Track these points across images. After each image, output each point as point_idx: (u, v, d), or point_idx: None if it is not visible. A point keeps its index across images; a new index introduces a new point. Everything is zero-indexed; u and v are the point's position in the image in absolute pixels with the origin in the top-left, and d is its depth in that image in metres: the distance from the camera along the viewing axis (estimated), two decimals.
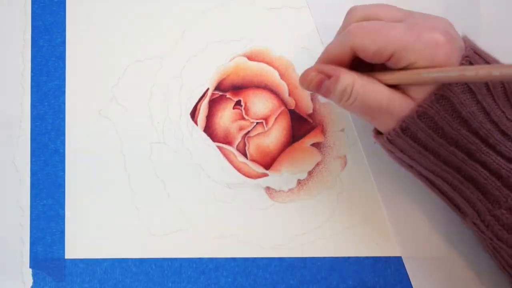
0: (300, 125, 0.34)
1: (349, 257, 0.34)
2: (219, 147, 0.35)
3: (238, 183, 0.34)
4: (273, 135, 0.34)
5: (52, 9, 0.36)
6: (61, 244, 0.35)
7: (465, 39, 0.26)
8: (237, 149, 0.34)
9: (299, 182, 0.34)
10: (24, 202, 0.35)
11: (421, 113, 0.24)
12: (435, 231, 0.33)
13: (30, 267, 0.35)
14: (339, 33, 0.29)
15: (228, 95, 0.35)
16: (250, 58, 0.35)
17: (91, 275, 0.34)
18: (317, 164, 0.34)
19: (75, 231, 0.35)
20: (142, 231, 0.34)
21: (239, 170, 0.34)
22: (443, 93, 0.24)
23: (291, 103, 0.34)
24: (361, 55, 0.26)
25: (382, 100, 0.25)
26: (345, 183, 0.34)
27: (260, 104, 0.35)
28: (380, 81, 0.26)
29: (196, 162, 0.35)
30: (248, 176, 0.34)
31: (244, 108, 0.35)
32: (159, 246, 0.34)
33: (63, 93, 0.35)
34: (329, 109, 0.34)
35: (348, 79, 0.26)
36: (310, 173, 0.34)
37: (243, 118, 0.35)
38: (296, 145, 0.34)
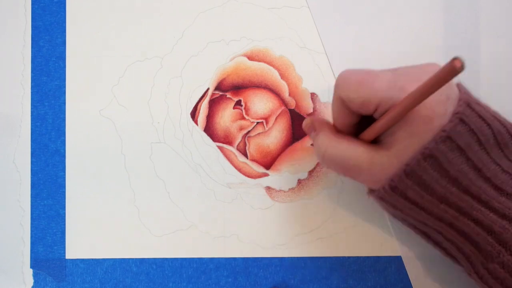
0: (301, 125, 0.34)
1: (349, 257, 0.34)
2: (219, 147, 0.35)
3: (239, 183, 0.34)
4: (274, 135, 0.34)
5: (52, 9, 0.36)
6: (61, 244, 0.35)
7: (460, 88, 0.25)
8: (238, 149, 0.34)
9: (299, 182, 0.34)
10: (25, 202, 0.35)
11: (409, 172, 0.24)
12: None
13: (30, 267, 0.35)
14: None
15: (228, 95, 0.35)
16: (250, 58, 0.35)
17: (91, 275, 0.35)
18: (318, 164, 0.34)
19: (76, 231, 0.35)
20: (143, 231, 0.34)
21: (239, 170, 0.34)
22: (430, 152, 0.23)
23: (292, 103, 0.34)
24: (350, 106, 0.26)
25: (362, 163, 0.25)
26: (346, 182, 0.34)
27: (260, 104, 0.35)
28: (363, 139, 0.26)
29: (196, 162, 0.35)
30: (248, 176, 0.34)
31: (245, 108, 0.35)
32: (160, 246, 0.34)
33: (63, 93, 0.35)
34: (329, 109, 0.34)
35: (322, 141, 0.27)
36: (310, 173, 0.34)
37: (243, 118, 0.35)
38: (297, 145, 0.34)
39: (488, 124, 0.24)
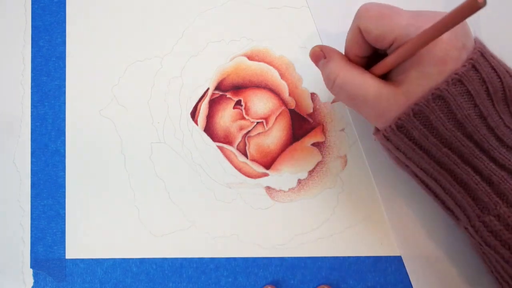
0: (301, 125, 0.34)
1: (349, 257, 0.34)
2: (219, 147, 0.35)
3: (239, 183, 0.34)
4: (274, 135, 0.34)
5: (52, 9, 0.36)
6: (61, 244, 0.35)
7: (476, 40, 0.25)
8: (238, 149, 0.34)
9: (299, 181, 0.34)
10: (25, 202, 0.35)
11: (417, 112, 0.24)
12: (434, 230, 0.33)
13: (30, 267, 0.35)
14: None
15: (228, 95, 0.35)
16: (250, 58, 0.35)
17: (91, 275, 0.35)
18: (318, 164, 0.34)
19: (76, 231, 0.35)
20: (143, 231, 0.34)
21: (239, 170, 0.34)
22: (440, 93, 0.23)
23: (292, 103, 0.34)
24: (366, 38, 0.26)
25: (368, 93, 0.25)
26: (346, 182, 0.34)
27: (260, 104, 0.35)
28: (373, 73, 0.26)
29: (196, 162, 0.35)
30: (248, 176, 0.34)
31: (245, 108, 0.35)
32: (160, 246, 0.34)
33: (63, 93, 0.35)
34: (329, 108, 0.34)
35: (334, 67, 0.27)
36: (310, 172, 0.34)
37: (243, 118, 0.35)
38: (297, 144, 0.34)
39: (499, 77, 0.24)
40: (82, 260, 0.35)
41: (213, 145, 0.35)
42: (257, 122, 0.34)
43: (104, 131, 0.35)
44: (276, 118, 0.34)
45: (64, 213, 0.35)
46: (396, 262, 0.33)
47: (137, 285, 0.34)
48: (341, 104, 0.34)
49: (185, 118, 0.35)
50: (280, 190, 0.34)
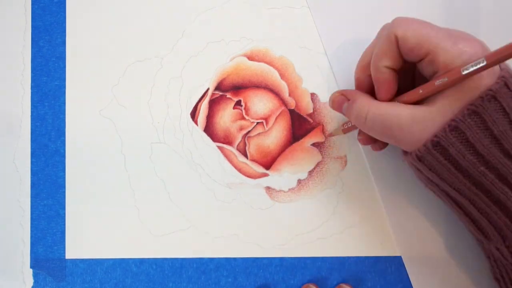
0: (300, 125, 0.34)
1: (349, 257, 0.34)
2: (219, 147, 0.35)
3: (239, 183, 0.34)
4: (274, 135, 0.34)
5: (52, 9, 0.36)
6: (61, 244, 0.35)
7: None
8: (238, 149, 0.34)
9: (299, 182, 0.34)
10: (25, 202, 0.35)
11: (453, 128, 0.24)
12: (434, 230, 0.33)
13: (30, 267, 0.35)
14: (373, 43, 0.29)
15: (228, 95, 0.35)
16: (250, 58, 0.35)
17: (91, 275, 0.35)
18: (318, 164, 0.34)
19: (76, 231, 0.35)
20: (143, 231, 0.34)
21: (239, 170, 0.34)
22: (476, 109, 0.23)
23: (291, 103, 0.34)
24: (401, 47, 0.26)
25: (402, 119, 0.25)
26: (345, 182, 0.34)
27: (260, 104, 0.35)
28: (404, 101, 0.27)
29: (196, 162, 0.35)
30: (248, 176, 0.34)
31: (245, 108, 0.35)
32: (160, 246, 0.34)
33: (63, 93, 0.35)
34: (329, 109, 0.34)
35: (363, 104, 0.27)
36: (310, 173, 0.34)
37: (243, 118, 0.35)
38: (296, 145, 0.34)
39: None
40: (82, 260, 0.35)
41: (213, 145, 0.35)
42: (257, 122, 0.34)
43: (104, 131, 0.35)
44: (276, 118, 0.34)
45: (64, 213, 0.35)
46: (396, 262, 0.33)
47: (137, 285, 0.34)
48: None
49: (185, 118, 0.35)
50: (280, 190, 0.34)
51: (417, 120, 0.25)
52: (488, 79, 0.24)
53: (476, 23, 0.33)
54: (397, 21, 0.26)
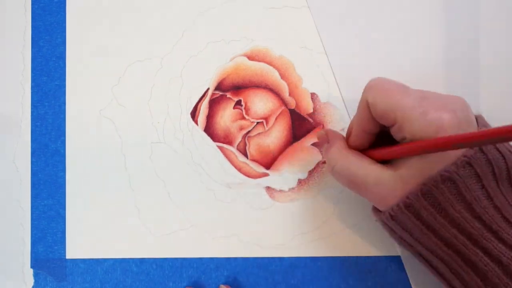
0: (301, 125, 0.34)
1: (349, 257, 0.34)
2: (219, 147, 0.35)
3: (239, 183, 0.34)
4: (274, 135, 0.34)
5: (52, 9, 0.36)
6: (62, 244, 0.35)
7: (479, 118, 0.26)
8: (238, 149, 0.34)
9: (299, 181, 0.34)
10: (25, 202, 0.35)
11: (425, 192, 0.24)
12: None
13: (31, 267, 0.35)
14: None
15: (228, 95, 0.35)
16: (251, 57, 0.35)
17: (92, 275, 0.35)
18: (318, 164, 0.34)
19: (76, 231, 0.35)
20: (143, 231, 0.34)
21: (239, 170, 0.34)
22: (450, 175, 0.23)
23: (292, 103, 0.34)
24: (373, 112, 0.26)
25: (368, 179, 0.26)
26: None
27: (260, 103, 0.35)
28: (374, 155, 0.27)
29: (196, 162, 0.35)
30: (248, 176, 0.34)
31: (245, 108, 0.35)
32: (160, 246, 0.34)
33: (63, 93, 0.35)
34: (329, 109, 0.34)
35: (334, 153, 0.28)
36: (310, 172, 0.34)
37: (243, 118, 0.35)
38: (297, 144, 0.34)
39: (504, 157, 0.24)
40: (82, 260, 0.35)
41: (213, 145, 0.35)
42: (257, 122, 0.34)
43: (104, 131, 0.35)
44: (276, 118, 0.34)
45: (64, 213, 0.35)
46: (396, 262, 0.33)
47: (137, 285, 0.34)
48: (341, 105, 0.34)
49: (185, 118, 0.35)
50: (280, 190, 0.34)
51: (383, 183, 0.26)
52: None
53: (476, 22, 0.33)
54: (368, 85, 0.27)
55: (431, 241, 0.25)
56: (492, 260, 0.24)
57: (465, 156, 0.24)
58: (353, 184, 0.27)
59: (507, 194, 0.25)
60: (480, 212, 0.24)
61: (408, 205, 0.25)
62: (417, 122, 0.24)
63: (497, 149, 0.24)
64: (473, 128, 0.25)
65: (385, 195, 0.26)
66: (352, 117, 0.34)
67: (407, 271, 0.33)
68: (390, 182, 0.25)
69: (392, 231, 0.28)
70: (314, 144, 0.34)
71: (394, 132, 0.26)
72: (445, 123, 0.24)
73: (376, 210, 0.28)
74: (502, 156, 0.24)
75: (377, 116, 0.26)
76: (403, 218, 0.25)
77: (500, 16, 0.33)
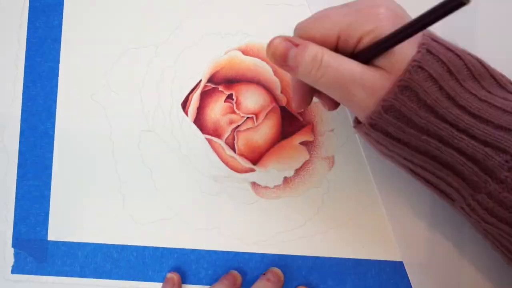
0: (290, 123, 0.34)
1: (330, 258, 0.34)
2: (208, 139, 0.35)
3: (225, 177, 0.34)
4: (263, 131, 0.34)
5: None
6: (44, 226, 0.35)
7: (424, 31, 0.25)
8: (226, 143, 0.34)
9: (285, 179, 0.34)
10: (10, 181, 0.35)
11: (387, 108, 0.24)
12: (435, 235, 0.33)
13: (12, 246, 0.35)
14: None
15: (220, 88, 0.35)
16: (245, 52, 0.35)
17: (72, 259, 0.35)
18: (305, 163, 0.34)
19: (59, 214, 0.35)
20: (126, 218, 0.35)
21: (226, 163, 0.34)
22: (406, 83, 0.23)
23: (283, 100, 0.34)
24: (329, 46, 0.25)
25: (355, 71, 0.24)
26: (332, 183, 0.34)
27: (251, 99, 0.34)
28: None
29: (184, 153, 0.35)
30: (235, 170, 0.34)
31: (236, 102, 0.34)
32: (142, 234, 0.34)
33: (56, 75, 0.35)
34: (320, 108, 0.34)
35: (317, 48, 0.25)
36: (297, 171, 0.34)
37: (233, 112, 0.34)
38: (285, 142, 0.34)
39: (459, 56, 0.24)
40: (64, 243, 0.35)
41: (202, 137, 0.35)
42: (247, 117, 0.34)
43: (94, 116, 0.35)
44: (266, 114, 0.34)
45: (49, 195, 0.35)
46: (376, 266, 0.33)
47: (117, 271, 0.34)
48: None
49: (175, 108, 0.35)
50: (266, 187, 0.34)
51: (368, 74, 0.24)
52: (410, 48, 0.24)
53: (473, 21, 0.33)
54: (296, 27, 0.27)
55: (406, 153, 0.25)
56: (468, 159, 0.24)
57: (414, 60, 0.23)
58: (342, 78, 0.24)
59: (476, 91, 0.24)
60: (443, 113, 0.24)
61: (373, 125, 0.25)
62: (356, 22, 0.24)
63: (448, 49, 0.24)
64: (407, 15, 0.24)
65: (370, 88, 0.24)
66: (342, 118, 0.34)
67: (407, 274, 0.33)
68: (374, 73, 0.24)
69: (371, 144, 0.27)
70: (302, 143, 0.34)
71: (345, 48, 0.25)
72: (382, 15, 0.24)
73: (356, 122, 0.28)
74: (456, 54, 0.24)
75: (319, 42, 0.25)
76: (375, 135, 0.25)
77: (500, 17, 0.33)
